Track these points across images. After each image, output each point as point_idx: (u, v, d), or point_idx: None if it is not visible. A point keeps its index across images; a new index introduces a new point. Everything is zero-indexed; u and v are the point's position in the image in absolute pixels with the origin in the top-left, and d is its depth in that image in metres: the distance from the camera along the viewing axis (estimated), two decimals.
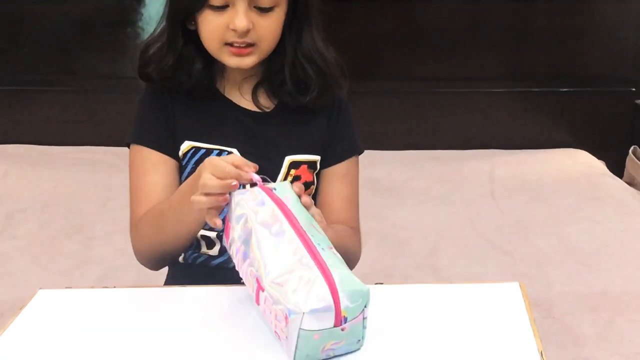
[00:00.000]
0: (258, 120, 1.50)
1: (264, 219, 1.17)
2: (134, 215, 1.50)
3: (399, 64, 3.44)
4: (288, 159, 1.49)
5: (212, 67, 1.50)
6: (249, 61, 1.44)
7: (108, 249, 2.57)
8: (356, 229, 1.58)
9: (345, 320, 1.08)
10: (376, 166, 3.08)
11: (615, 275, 2.39)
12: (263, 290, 1.12)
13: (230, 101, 1.52)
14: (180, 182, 1.49)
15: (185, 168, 1.48)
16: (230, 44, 1.42)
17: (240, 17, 1.39)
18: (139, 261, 1.54)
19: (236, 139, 1.48)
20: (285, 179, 1.48)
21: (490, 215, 2.84)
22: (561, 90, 3.45)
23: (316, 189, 1.56)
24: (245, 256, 1.18)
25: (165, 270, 1.65)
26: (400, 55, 3.43)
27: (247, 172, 1.21)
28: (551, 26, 3.40)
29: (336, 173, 1.56)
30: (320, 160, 1.54)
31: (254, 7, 1.40)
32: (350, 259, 1.53)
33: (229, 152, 1.46)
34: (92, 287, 1.40)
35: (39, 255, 2.55)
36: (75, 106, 3.49)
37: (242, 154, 1.44)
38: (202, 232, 1.49)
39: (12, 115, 3.51)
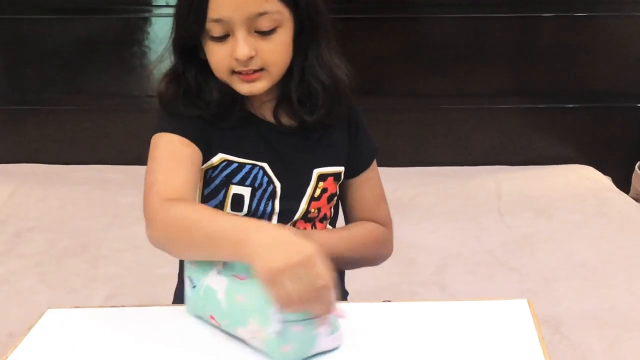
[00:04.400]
0: (284, 136, 1.48)
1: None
2: (162, 188, 1.32)
3: (404, 80, 3.45)
4: (316, 172, 1.49)
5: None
6: (259, 86, 1.41)
7: (115, 268, 2.58)
8: (389, 225, 1.62)
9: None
10: (383, 183, 3.08)
11: (623, 291, 2.38)
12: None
13: (257, 117, 1.49)
14: (201, 197, 1.45)
15: (214, 180, 1.45)
16: (239, 72, 1.40)
17: (240, 46, 1.36)
18: (152, 243, 1.34)
19: (267, 154, 1.47)
20: (314, 191, 1.49)
21: (496, 232, 2.84)
22: (567, 106, 3.46)
23: (344, 197, 1.59)
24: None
25: (173, 288, 1.65)
26: (406, 72, 3.44)
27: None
28: (557, 42, 3.41)
29: (362, 180, 1.59)
30: (345, 171, 1.55)
31: (255, 31, 1.37)
32: (379, 259, 1.61)
33: (260, 167, 1.45)
34: (100, 306, 1.41)
35: (47, 274, 2.56)
36: (82, 125, 3.50)
37: (273, 168, 1.45)
38: (235, 190, 1.45)
39: (19, 134, 3.53)
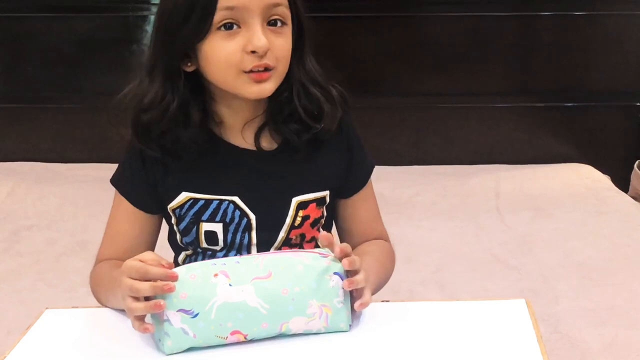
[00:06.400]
0: (262, 162, 1.41)
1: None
2: (98, 254, 1.50)
3: (402, 79, 3.45)
4: (296, 200, 1.42)
5: (207, 111, 1.40)
6: (269, 87, 1.34)
7: None
8: (388, 240, 1.57)
9: None
10: (381, 182, 3.05)
11: (622, 289, 2.38)
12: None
13: (232, 145, 1.42)
14: (178, 232, 1.45)
15: (183, 219, 1.42)
16: (248, 71, 1.31)
17: (259, 36, 1.29)
18: None
19: (239, 185, 1.40)
20: (293, 221, 1.42)
21: (495, 230, 2.84)
22: (566, 104, 3.46)
23: (338, 216, 1.52)
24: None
25: None
26: (404, 70, 3.44)
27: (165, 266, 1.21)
28: (556, 41, 3.41)
29: (358, 199, 1.51)
30: (338, 192, 1.49)
31: (267, 24, 1.31)
32: (389, 275, 1.55)
33: (230, 202, 1.40)
34: (98, 306, 1.40)
35: (45, 272, 2.55)
36: (81, 123, 3.50)
37: (245, 200, 1.40)
38: (206, 227, 1.43)
39: (18, 132, 3.52)
